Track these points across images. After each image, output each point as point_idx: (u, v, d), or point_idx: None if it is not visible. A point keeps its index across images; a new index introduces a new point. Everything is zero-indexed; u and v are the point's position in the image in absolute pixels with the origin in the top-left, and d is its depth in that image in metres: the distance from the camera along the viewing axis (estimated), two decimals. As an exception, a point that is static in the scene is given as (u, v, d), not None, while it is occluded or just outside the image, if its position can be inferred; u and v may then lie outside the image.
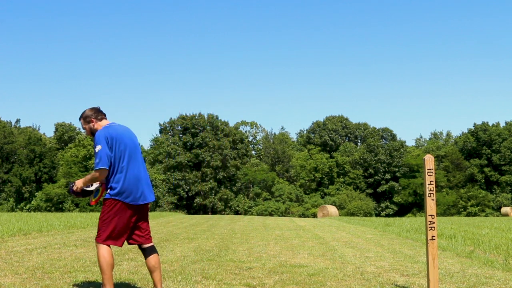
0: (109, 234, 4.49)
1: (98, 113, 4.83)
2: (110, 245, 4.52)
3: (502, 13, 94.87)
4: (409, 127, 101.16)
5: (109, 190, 4.54)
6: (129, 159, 4.59)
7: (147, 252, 4.69)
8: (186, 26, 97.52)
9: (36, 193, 58.97)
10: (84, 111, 4.83)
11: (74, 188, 4.68)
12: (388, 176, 63.33)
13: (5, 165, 62.45)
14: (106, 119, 4.85)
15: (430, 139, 76.44)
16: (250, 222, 21.26)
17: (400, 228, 16.01)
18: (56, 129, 66.26)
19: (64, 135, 65.20)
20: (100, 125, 4.76)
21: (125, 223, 4.56)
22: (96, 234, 4.56)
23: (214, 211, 57.74)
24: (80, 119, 4.84)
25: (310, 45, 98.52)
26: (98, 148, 4.49)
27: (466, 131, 67.74)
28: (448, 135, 77.48)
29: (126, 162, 4.57)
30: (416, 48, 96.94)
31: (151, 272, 4.73)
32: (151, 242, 4.77)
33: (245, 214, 56.40)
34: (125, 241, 4.65)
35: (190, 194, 58.02)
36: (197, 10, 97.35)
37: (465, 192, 60.77)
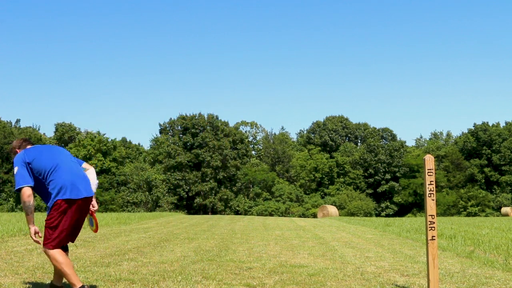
0: (62, 236, 4.76)
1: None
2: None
3: (502, 13, 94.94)
4: (409, 127, 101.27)
5: None
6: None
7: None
8: (186, 26, 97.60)
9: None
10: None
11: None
12: (388, 176, 63.33)
13: (5, 165, 62.46)
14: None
15: (430, 139, 76.44)
16: (250, 222, 21.26)
17: (400, 228, 16.01)
18: (56, 129, 66.26)
19: (64, 135, 65.20)
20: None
21: (73, 220, 4.77)
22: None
23: (214, 211, 57.75)
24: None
25: (310, 45, 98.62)
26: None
27: (466, 131, 67.75)
28: (448, 135, 77.49)
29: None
30: (416, 48, 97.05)
31: None
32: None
33: (245, 214, 56.40)
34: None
35: (190, 194, 58.02)
36: (197, 10, 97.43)
37: (465, 192, 60.76)
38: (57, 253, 4.58)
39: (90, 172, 4.93)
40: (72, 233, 4.79)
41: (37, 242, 4.67)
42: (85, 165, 5.02)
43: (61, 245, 4.65)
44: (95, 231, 5.24)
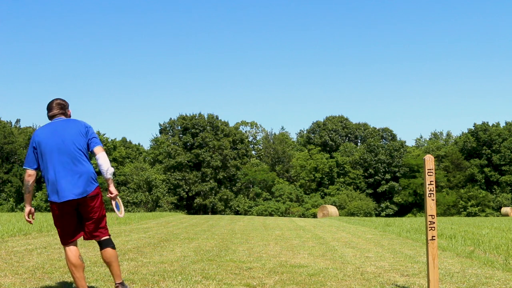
0: (61, 235, 4.61)
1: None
2: (72, 245, 4.60)
3: (502, 13, 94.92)
4: (409, 127, 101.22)
5: None
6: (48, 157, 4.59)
7: (102, 245, 4.71)
8: (186, 26, 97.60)
9: (36, 193, 58.97)
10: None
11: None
12: (388, 176, 63.33)
13: (5, 165, 62.46)
14: (54, 117, 4.76)
15: (430, 139, 76.41)
16: (250, 222, 21.26)
17: (400, 228, 16.00)
18: (56, 129, 66.25)
19: (64, 135, 65.20)
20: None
21: (64, 220, 4.58)
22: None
23: (214, 211, 57.75)
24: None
25: (310, 45, 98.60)
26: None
27: (466, 131, 67.73)
28: (448, 135, 77.47)
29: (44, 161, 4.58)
30: (416, 48, 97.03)
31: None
32: (103, 236, 4.73)
33: (245, 214, 56.39)
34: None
35: (190, 194, 58.02)
36: (197, 10, 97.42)
37: (465, 192, 60.75)
38: (66, 250, 4.58)
39: (100, 158, 4.60)
40: (70, 231, 4.60)
41: (29, 222, 4.68)
42: (96, 149, 4.66)
43: (67, 243, 4.58)
44: (122, 215, 5.15)
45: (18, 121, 71.01)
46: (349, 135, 71.07)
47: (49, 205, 4.60)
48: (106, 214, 4.89)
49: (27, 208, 4.64)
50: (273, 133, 71.17)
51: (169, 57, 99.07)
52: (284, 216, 50.39)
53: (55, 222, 4.59)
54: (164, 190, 56.77)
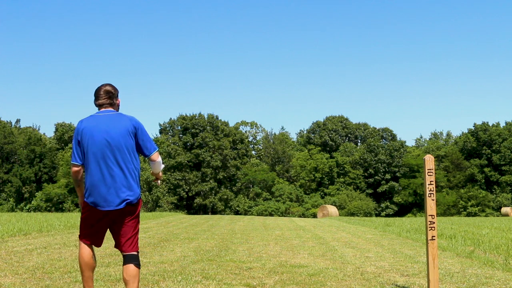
0: (83, 232, 4.22)
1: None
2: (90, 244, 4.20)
3: (502, 13, 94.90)
4: (409, 127, 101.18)
5: None
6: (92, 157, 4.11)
7: (124, 260, 4.15)
8: (186, 26, 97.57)
9: (36, 193, 58.98)
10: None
11: None
12: (388, 176, 63.32)
13: (5, 165, 62.45)
14: (101, 106, 4.25)
15: (430, 139, 76.40)
16: (250, 222, 21.26)
17: (400, 228, 16.00)
18: (56, 129, 66.26)
19: (64, 135, 65.18)
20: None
21: (93, 227, 4.16)
22: None
23: (214, 211, 57.75)
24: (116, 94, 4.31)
25: (310, 45, 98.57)
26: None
27: (466, 131, 67.71)
28: (448, 135, 77.46)
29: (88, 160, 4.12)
30: (416, 48, 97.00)
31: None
32: (129, 251, 4.13)
33: (245, 214, 56.40)
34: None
35: (190, 194, 58.03)
36: (197, 10, 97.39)
37: (465, 192, 60.75)
38: (81, 246, 4.17)
39: (155, 165, 4.22)
40: (94, 236, 4.19)
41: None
42: (153, 156, 4.19)
43: (85, 241, 4.16)
44: (158, 183, 4.68)
45: (18, 121, 71.04)
46: (349, 135, 71.06)
47: (80, 203, 4.23)
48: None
49: (81, 199, 4.22)
50: (273, 133, 71.21)
51: (169, 57, 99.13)
52: (284, 216, 50.39)
53: (82, 219, 4.17)
54: (164, 190, 56.78)
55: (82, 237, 4.18)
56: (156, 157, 4.19)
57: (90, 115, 4.19)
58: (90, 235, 4.16)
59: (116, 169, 4.02)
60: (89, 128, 4.07)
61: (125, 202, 4.01)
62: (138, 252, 4.16)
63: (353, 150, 67.06)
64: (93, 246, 4.20)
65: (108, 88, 4.21)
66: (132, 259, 4.08)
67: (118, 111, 4.26)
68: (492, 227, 17.22)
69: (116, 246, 4.18)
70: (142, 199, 56.74)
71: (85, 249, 4.15)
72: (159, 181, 4.58)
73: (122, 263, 7.17)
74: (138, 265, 4.10)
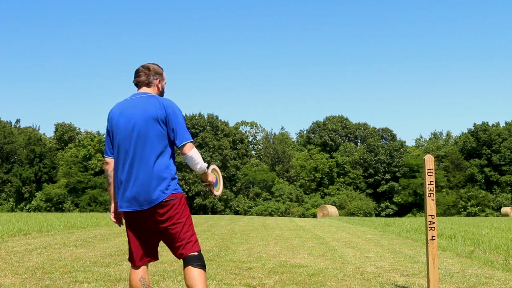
0: (129, 251, 3.53)
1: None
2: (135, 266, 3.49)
3: (502, 13, 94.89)
4: (409, 127, 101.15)
5: None
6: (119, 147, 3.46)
7: (184, 263, 3.42)
8: (186, 26, 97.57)
9: (36, 193, 58.99)
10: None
11: None
12: (388, 176, 63.34)
13: (5, 165, 62.47)
14: (137, 85, 3.65)
15: (430, 139, 76.42)
16: (250, 222, 21.26)
17: (400, 228, 16.01)
18: (56, 129, 66.28)
19: (64, 135, 65.21)
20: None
21: (130, 234, 3.49)
22: None
23: (214, 211, 57.76)
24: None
25: (310, 45, 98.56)
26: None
27: (466, 131, 67.74)
28: (448, 135, 77.47)
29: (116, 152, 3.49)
30: (416, 48, 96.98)
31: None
32: (186, 252, 3.41)
33: (245, 214, 56.40)
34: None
35: (190, 194, 58.05)
36: (197, 10, 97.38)
37: (465, 192, 60.76)
38: (131, 269, 3.50)
39: (190, 159, 3.41)
40: (137, 250, 3.46)
41: (116, 223, 3.60)
42: (185, 147, 3.38)
43: (133, 261, 3.47)
44: (218, 193, 3.76)
45: (18, 121, 71.07)
46: (349, 135, 71.08)
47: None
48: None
49: (112, 206, 3.58)
50: (273, 133, 71.23)
51: (169, 57, 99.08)
52: (284, 216, 50.40)
53: (127, 233, 3.52)
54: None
55: (129, 258, 3.52)
56: (188, 149, 3.37)
57: (124, 99, 3.59)
58: (134, 248, 3.45)
59: (142, 162, 3.33)
60: (116, 114, 3.48)
61: (158, 200, 3.31)
62: (199, 251, 3.40)
63: (353, 150, 67.08)
64: (143, 265, 3.47)
65: (147, 64, 3.62)
66: (190, 260, 3.33)
67: (160, 94, 3.64)
68: (492, 227, 17.22)
69: (174, 254, 3.45)
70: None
71: (132, 271, 3.46)
72: (215, 192, 3.70)
73: (122, 262, 7.18)
74: (200, 266, 3.32)
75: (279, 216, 52.40)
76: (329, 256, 8.40)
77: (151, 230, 3.41)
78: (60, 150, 63.94)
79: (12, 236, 11.26)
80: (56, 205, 56.38)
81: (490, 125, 66.11)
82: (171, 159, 3.42)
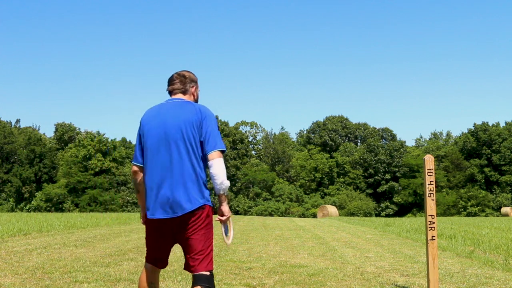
0: (147, 252, 3.50)
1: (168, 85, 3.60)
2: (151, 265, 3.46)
3: (502, 13, 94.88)
4: (409, 127, 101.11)
5: None
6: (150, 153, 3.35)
7: (193, 281, 3.31)
8: (186, 26, 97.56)
9: (36, 193, 58.98)
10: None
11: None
12: (388, 176, 63.34)
13: (5, 165, 62.46)
14: (172, 93, 3.54)
15: (430, 139, 76.40)
16: (250, 222, 21.26)
17: (400, 228, 16.01)
18: (56, 129, 66.28)
19: (64, 135, 65.21)
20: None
21: (153, 240, 3.42)
22: None
23: (214, 212, 57.64)
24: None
25: (310, 45, 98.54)
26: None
27: (466, 131, 67.73)
28: (448, 135, 77.45)
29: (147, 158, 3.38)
30: (416, 48, 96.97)
31: None
32: (197, 270, 3.27)
33: (245, 214, 56.41)
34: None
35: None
36: (197, 10, 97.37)
37: (465, 192, 60.75)
38: (143, 269, 3.47)
39: (213, 166, 3.23)
40: (155, 254, 3.42)
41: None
42: (211, 154, 3.24)
43: (150, 261, 3.44)
44: (229, 242, 3.57)
45: (18, 121, 71.08)
46: (349, 135, 71.08)
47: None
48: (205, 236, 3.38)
49: (142, 212, 3.47)
50: (273, 133, 71.22)
51: (169, 57, 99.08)
52: (284, 216, 50.40)
53: (146, 235, 3.46)
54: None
55: (146, 257, 3.48)
56: (213, 156, 3.22)
57: (158, 104, 3.48)
58: (152, 253, 3.42)
59: (173, 168, 3.23)
60: (149, 119, 3.38)
61: (189, 208, 3.21)
62: (211, 271, 3.27)
63: (353, 150, 67.09)
64: (156, 268, 3.46)
65: (183, 72, 3.55)
66: (199, 280, 3.22)
67: (195, 101, 3.54)
68: (492, 227, 17.22)
69: (184, 267, 3.36)
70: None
71: (143, 273, 3.44)
72: (226, 239, 3.54)
73: (122, 262, 7.18)
74: None
75: (279, 216, 52.40)
76: (329, 256, 8.40)
77: (172, 237, 3.33)
78: (60, 150, 63.94)
79: (12, 236, 11.26)
80: (56, 205, 56.37)
81: (490, 125, 66.10)
82: (204, 166, 3.30)
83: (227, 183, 3.32)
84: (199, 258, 3.25)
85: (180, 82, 3.48)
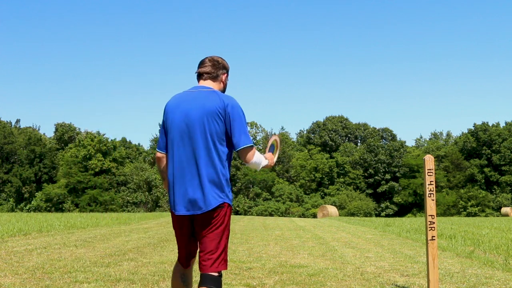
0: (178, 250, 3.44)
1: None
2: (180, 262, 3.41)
3: (502, 13, 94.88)
4: (409, 127, 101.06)
5: None
6: (173, 144, 3.20)
7: (200, 280, 3.22)
8: (186, 26, 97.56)
9: (36, 193, 58.98)
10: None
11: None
12: (388, 176, 63.33)
13: (5, 165, 62.45)
14: (201, 76, 3.36)
15: (430, 139, 76.39)
16: (250, 222, 21.26)
17: (400, 228, 16.00)
18: (56, 129, 66.27)
19: (64, 135, 65.19)
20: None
21: (177, 235, 3.35)
22: None
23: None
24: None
25: (310, 45, 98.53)
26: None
27: (466, 131, 67.72)
28: (448, 135, 77.44)
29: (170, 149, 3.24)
30: (416, 48, 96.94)
31: None
32: (205, 269, 3.18)
33: (245, 214, 56.40)
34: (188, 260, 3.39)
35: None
36: (197, 10, 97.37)
37: (465, 192, 60.75)
38: (175, 263, 3.44)
39: (252, 165, 3.21)
40: (181, 251, 3.36)
41: None
42: (243, 150, 3.14)
43: (181, 259, 3.38)
44: (272, 162, 3.44)
45: (18, 121, 71.04)
46: (349, 135, 71.08)
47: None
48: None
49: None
50: (273, 133, 71.20)
51: (169, 57, 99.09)
52: (284, 216, 50.40)
53: (174, 231, 3.39)
54: (164, 190, 56.82)
55: (179, 255, 3.42)
56: (250, 157, 3.15)
57: (183, 91, 3.32)
58: (179, 248, 3.36)
59: (194, 164, 3.09)
60: (172, 107, 3.22)
61: (212, 205, 3.10)
62: (220, 273, 3.17)
63: (353, 150, 67.09)
64: (182, 267, 3.39)
65: (215, 57, 3.37)
66: (205, 280, 3.13)
67: (222, 90, 3.37)
68: (492, 227, 17.22)
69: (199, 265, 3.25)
70: (142, 199, 56.95)
71: (174, 267, 3.41)
72: (275, 153, 3.51)
73: (122, 262, 7.18)
74: None
75: (279, 216, 52.40)
76: (329, 256, 8.40)
77: (193, 232, 3.27)
78: (60, 150, 63.93)
79: (12, 236, 11.26)
80: (56, 205, 56.37)
81: (490, 125, 66.10)
82: (227, 161, 3.16)
83: (266, 161, 3.30)
84: (209, 257, 3.13)
85: (212, 66, 3.31)
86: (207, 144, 3.09)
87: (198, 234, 3.19)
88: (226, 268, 3.21)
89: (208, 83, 3.29)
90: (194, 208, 3.10)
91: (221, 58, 3.41)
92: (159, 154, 3.31)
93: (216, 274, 3.12)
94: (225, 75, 3.38)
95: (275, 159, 3.50)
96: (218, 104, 3.12)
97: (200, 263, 3.17)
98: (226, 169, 3.15)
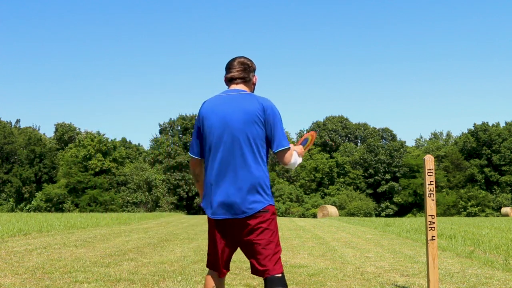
0: (208, 256, 3.35)
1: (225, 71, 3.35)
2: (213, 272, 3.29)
3: (502, 13, 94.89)
4: (409, 127, 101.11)
5: None
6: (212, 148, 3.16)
7: (266, 285, 3.11)
8: (186, 26, 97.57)
9: (36, 193, 58.99)
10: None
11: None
12: (388, 176, 63.33)
13: (5, 165, 62.45)
14: (232, 81, 3.31)
15: (430, 139, 76.40)
16: (250, 222, 21.22)
17: (400, 228, 16.00)
18: (56, 129, 66.27)
19: (64, 135, 65.20)
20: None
21: (213, 243, 3.26)
22: None
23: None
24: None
25: (310, 45, 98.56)
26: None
27: (466, 131, 67.72)
28: (448, 135, 77.45)
29: (208, 152, 3.19)
30: (416, 48, 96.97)
31: None
32: (268, 273, 3.09)
33: (245, 214, 56.36)
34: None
35: (190, 195, 58.04)
36: (197, 10, 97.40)
37: (465, 192, 60.75)
38: (206, 276, 3.30)
39: (291, 166, 3.25)
40: (215, 258, 3.25)
41: None
42: (285, 157, 3.18)
43: (212, 267, 3.27)
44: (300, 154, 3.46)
45: (18, 121, 71.05)
46: (349, 135, 71.09)
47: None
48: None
49: (201, 196, 3.33)
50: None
51: (169, 57, 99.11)
52: (284, 216, 50.40)
53: (209, 238, 3.32)
54: (164, 190, 56.80)
55: (207, 262, 3.33)
56: (287, 159, 3.17)
57: (216, 94, 3.26)
58: (212, 257, 3.27)
59: (235, 166, 3.07)
60: (208, 111, 3.16)
61: (253, 210, 3.04)
62: (283, 273, 3.12)
63: (353, 150, 67.10)
64: (219, 276, 3.25)
65: (244, 59, 3.33)
66: (274, 282, 3.06)
67: (252, 91, 3.36)
68: (492, 227, 17.22)
69: (252, 271, 3.17)
70: (142, 199, 56.94)
71: (206, 282, 3.27)
72: (306, 146, 3.60)
73: (122, 262, 7.18)
74: None
75: (279, 216, 52.40)
76: (329, 256, 8.40)
77: (235, 240, 3.15)
78: (60, 150, 63.94)
79: (12, 236, 11.26)
80: (56, 205, 56.37)
81: (490, 125, 66.10)
82: (266, 164, 3.16)
83: (300, 159, 3.32)
84: (270, 261, 3.07)
85: (244, 71, 3.27)
86: (248, 148, 3.08)
87: (246, 240, 3.11)
88: (283, 269, 3.22)
89: (241, 87, 3.26)
90: (238, 213, 3.05)
91: (248, 59, 3.38)
92: (194, 160, 3.27)
93: (280, 275, 3.10)
94: (255, 77, 3.39)
95: (304, 153, 3.52)
96: (257, 107, 3.11)
97: (257, 269, 3.11)
98: (267, 172, 3.15)
